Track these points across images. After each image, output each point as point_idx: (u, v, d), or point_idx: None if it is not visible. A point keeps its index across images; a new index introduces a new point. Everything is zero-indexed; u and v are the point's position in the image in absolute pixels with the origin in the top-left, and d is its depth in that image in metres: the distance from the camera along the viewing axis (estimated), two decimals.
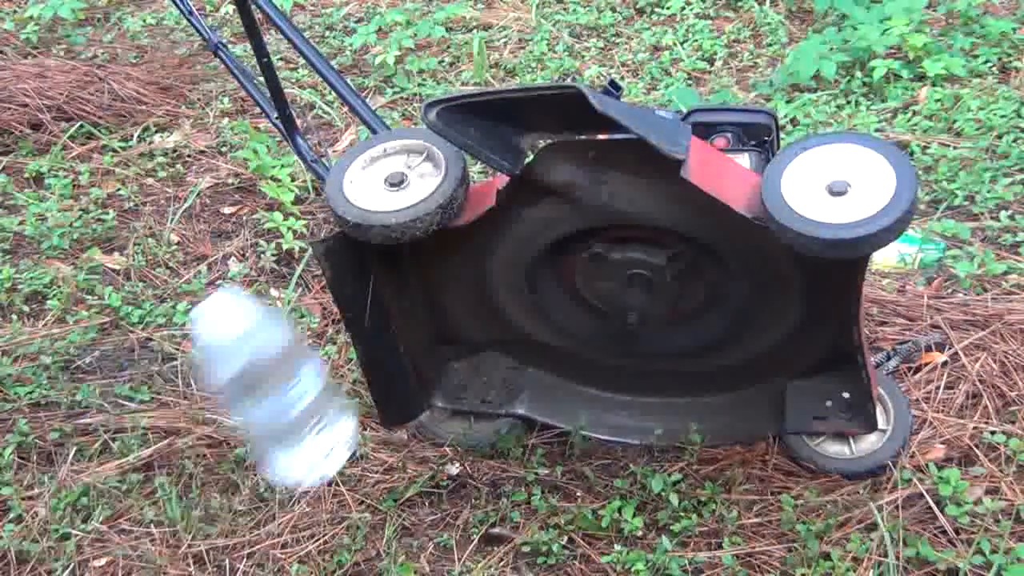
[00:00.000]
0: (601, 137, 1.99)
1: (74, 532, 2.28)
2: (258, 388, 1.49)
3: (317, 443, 1.57)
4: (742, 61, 4.13)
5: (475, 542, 2.24)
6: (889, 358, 2.51)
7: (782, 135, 2.60)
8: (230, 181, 3.57)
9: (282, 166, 3.49)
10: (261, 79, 2.83)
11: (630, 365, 2.37)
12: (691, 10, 4.45)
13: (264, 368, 1.49)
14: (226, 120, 3.92)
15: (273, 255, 3.19)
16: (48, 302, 3.04)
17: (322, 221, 3.32)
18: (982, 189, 3.15)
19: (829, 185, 1.84)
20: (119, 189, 3.55)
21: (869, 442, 2.27)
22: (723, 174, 1.94)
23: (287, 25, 2.62)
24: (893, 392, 2.29)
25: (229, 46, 2.99)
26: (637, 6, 4.56)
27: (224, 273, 3.16)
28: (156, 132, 3.87)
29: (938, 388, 2.44)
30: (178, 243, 3.30)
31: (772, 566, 2.11)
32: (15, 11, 4.89)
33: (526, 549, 2.20)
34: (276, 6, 2.65)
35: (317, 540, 2.25)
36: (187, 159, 3.71)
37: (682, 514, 2.23)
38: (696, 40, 4.25)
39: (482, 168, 3.30)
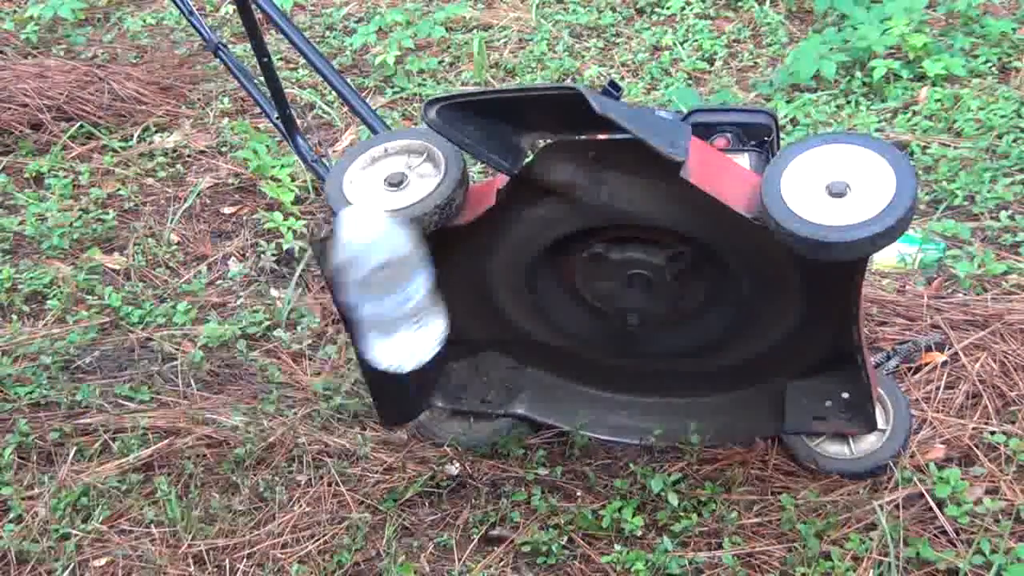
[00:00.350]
0: (601, 137, 1.99)
1: (74, 532, 2.28)
2: (383, 285, 1.69)
3: (415, 336, 1.78)
4: (742, 61, 4.13)
5: (475, 542, 2.24)
6: (889, 358, 2.51)
7: (782, 135, 2.60)
8: (230, 181, 3.57)
9: (282, 166, 3.49)
10: (261, 79, 2.83)
11: (630, 365, 2.37)
12: (691, 10, 4.45)
13: (392, 268, 1.70)
14: (226, 120, 3.92)
15: (273, 255, 3.19)
16: (48, 302, 3.04)
17: (322, 221, 3.32)
18: (982, 189, 3.15)
19: (829, 186, 1.84)
20: (119, 189, 3.55)
21: (869, 442, 2.27)
22: (723, 174, 1.94)
23: (287, 25, 2.62)
24: (893, 392, 2.29)
25: (229, 46, 3.00)
26: (637, 6, 4.56)
27: (224, 273, 3.17)
28: (156, 132, 3.88)
29: (938, 388, 2.44)
30: (178, 243, 3.30)
31: (772, 566, 2.11)
32: (15, 11, 4.89)
33: (526, 549, 2.20)
34: (276, 6, 2.65)
35: (317, 540, 2.25)
36: (187, 159, 3.71)
37: (682, 514, 2.23)
38: (696, 40, 4.25)
39: (482, 168, 3.30)
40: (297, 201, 3.40)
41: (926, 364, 2.51)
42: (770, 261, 2.02)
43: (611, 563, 2.15)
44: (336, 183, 2.09)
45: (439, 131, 1.93)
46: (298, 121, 2.88)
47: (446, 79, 4.18)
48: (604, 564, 2.15)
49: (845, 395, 2.23)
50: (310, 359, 2.77)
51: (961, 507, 2.15)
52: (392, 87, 4.12)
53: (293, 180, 3.44)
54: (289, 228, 3.24)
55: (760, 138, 2.24)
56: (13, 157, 3.75)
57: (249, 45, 2.87)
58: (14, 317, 2.98)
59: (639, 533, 2.20)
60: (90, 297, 3.05)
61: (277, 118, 2.82)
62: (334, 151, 3.69)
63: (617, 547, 2.17)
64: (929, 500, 2.18)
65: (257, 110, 3.73)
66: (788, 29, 4.27)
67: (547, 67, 4.15)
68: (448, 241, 2.13)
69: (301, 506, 2.32)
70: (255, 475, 2.40)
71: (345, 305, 1.78)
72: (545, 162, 2.01)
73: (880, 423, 2.24)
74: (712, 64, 4.12)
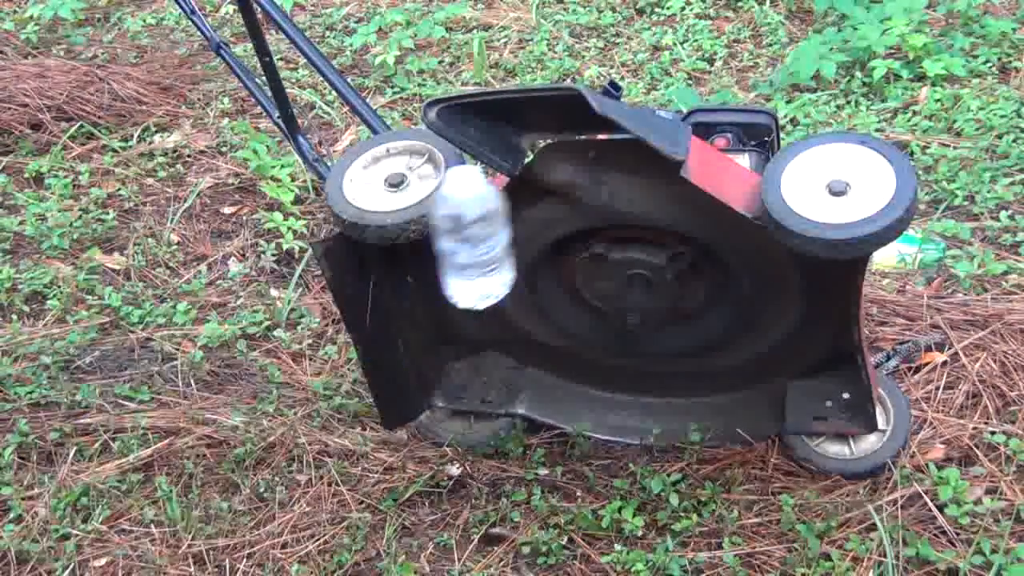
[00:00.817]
0: (601, 137, 1.99)
1: (74, 532, 2.28)
2: (476, 235, 1.93)
3: (491, 280, 2.00)
4: (742, 61, 4.13)
5: (475, 542, 2.24)
6: (889, 358, 2.51)
7: (782, 135, 2.60)
8: (230, 181, 3.57)
9: (282, 166, 3.49)
10: (263, 78, 2.83)
11: (630, 365, 2.37)
12: (691, 10, 4.45)
13: (485, 221, 1.92)
14: (226, 120, 3.92)
15: (273, 255, 3.19)
16: (48, 302, 3.04)
17: (322, 221, 3.33)
18: (982, 189, 3.15)
19: (829, 185, 1.84)
20: (119, 189, 3.55)
21: (869, 442, 2.27)
22: (723, 174, 1.94)
23: (288, 25, 2.62)
24: (893, 392, 2.29)
25: (229, 45, 3.00)
26: (637, 6, 4.56)
27: (224, 273, 3.17)
28: (156, 132, 3.87)
29: (938, 388, 2.44)
30: (178, 243, 3.30)
31: (772, 566, 2.11)
32: (15, 11, 4.89)
33: (526, 549, 2.20)
34: (277, 6, 2.65)
35: (317, 540, 2.25)
36: (187, 159, 3.71)
37: (682, 514, 2.22)
38: (696, 40, 4.25)
39: (482, 168, 3.29)
40: (297, 201, 3.40)
41: (926, 364, 2.51)
42: (770, 261, 2.02)
43: (611, 563, 2.15)
44: (337, 182, 2.09)
45: (439, 133, 1.93)
46: (299, 121, 2.88)
47: (446, 79, 4.18)
48: (604, 564, 2.15)
49: (845, 395, 2.23)
50: (310, 359, 2.77)
51: (961, 507, 2.15)
52: (392, 87, 4.12)
53: (293, 180, 3.44)
54: (289, 228, 3.24)
55: (760, 138, 2.24)
56: (13, 157, 3.74)
57: (249, 45, 2.87)
58: (14, 317, 2.98)
59: (639, 533, 2.20)
60: (90, 297, 3.05)
61: (278, 117, 2.82)
62: (334, 151, 3.69)
63: (617, 547, 2.17)
64: (928, 500, 2.18)
65: (257, 110, 3.73)
66: (788, 29, 4.27)
67: (547, 67, 4.15)
68: None
69: (301, 506, 2.32)
70: (255, 475, 2.40)
71: (441, 251, 1.97)
72: (545, 162, 2.01)
73: (880, 423, 2.24)
74: (712, 64, 4.12)
